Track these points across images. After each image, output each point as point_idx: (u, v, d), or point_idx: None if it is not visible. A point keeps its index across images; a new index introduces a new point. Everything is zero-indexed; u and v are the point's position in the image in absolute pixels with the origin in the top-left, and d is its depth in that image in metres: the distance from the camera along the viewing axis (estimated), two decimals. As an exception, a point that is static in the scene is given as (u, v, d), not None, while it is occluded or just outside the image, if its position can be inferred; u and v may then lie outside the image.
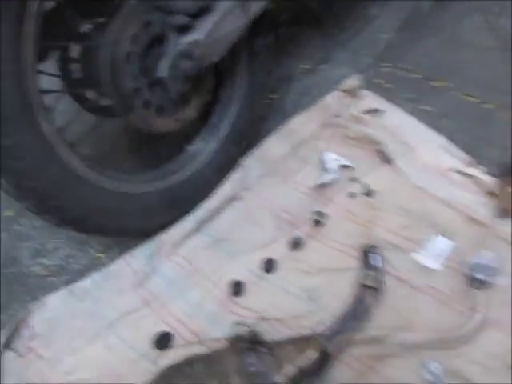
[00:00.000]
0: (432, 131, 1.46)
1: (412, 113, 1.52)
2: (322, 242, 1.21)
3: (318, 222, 1.25)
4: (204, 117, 1.35)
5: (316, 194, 1.32)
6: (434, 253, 1.18)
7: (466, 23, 1.91)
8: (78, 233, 1.16)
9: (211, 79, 1.29)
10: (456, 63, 1.76)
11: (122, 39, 1.09)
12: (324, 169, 1.38)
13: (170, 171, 1.27)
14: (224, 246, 1.23)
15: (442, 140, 1.43)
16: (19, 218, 1.38)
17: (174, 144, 1.32)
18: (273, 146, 1.42)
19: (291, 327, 1.03)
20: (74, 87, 1.21)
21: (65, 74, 1.21)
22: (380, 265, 1.13)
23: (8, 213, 1.39)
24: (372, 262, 1.14)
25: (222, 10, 1.14)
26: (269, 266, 1.17)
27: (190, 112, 1.26)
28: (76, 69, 1.19)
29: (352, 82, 1.60)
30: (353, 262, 1.16)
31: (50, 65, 1.19)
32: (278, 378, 0.96)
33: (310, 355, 0.96)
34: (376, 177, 1.34)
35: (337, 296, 1.09)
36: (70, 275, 1.20)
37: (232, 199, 1.31)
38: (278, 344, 0.98)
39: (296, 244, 1.21)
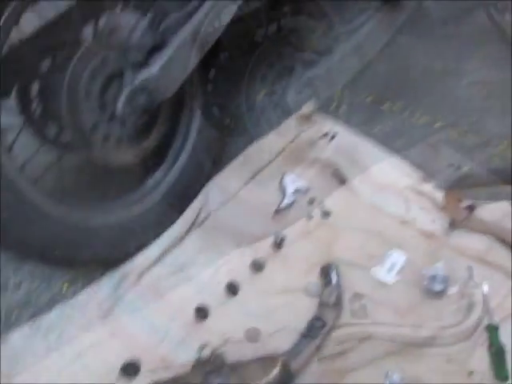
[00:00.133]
0: (384, 150, 1.52)
1: (365, 134, 1.59)
2: (283, 263, 1.26)
3: (278, 244, 1.29)
4: (165, 146, 1.39)
5: (276, 217, 1.37)
6: (390, 268, 1.23)
7: (418, 48, 2.00)
8: (42, 266, 1.17)
9: (169, 109, 1.34)
10: (405, 86, 1.85)
11: (80, 76, 1.13)
12: (283, 193, 1.43)
13: (132, 201, 1.29)
14: (188, 272, 1.25)
15: (394, 159, 1.50)
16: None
17: (135, 174, 1.35)
18: (232, 173, 1.47)
19: (254, 347, 1.06)
20: (34, 123, 1.24)
21: (25, 111, 1.23)
22: (338, 282, 1.18)
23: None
24: (331, 279, 1.18)
25: (175, 45, 1.19)
26: (232, 289, 1.20)
27: (150, 143, 1.30)
28: (36, 105, 1.22)
29: (308, 107, 1.66)
30: (312, 281, 1.20)
31: (11, 101, 1.22)
32: (242, 397, 0.98)
33: (274, 374, 0.98)
34: (333, 198, 1.40)
35: (298, 314, 1.13)
36: (34, 310, 1.20)
37: (194, 226, 1.35)
38: (242, 364, 1.00)
39: (258, 266, 1.25)
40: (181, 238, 1.32)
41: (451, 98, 1.80)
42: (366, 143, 1.56)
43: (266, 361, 1.00)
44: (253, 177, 1.47)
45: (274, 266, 1.25)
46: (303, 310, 1.13)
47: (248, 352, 1.05)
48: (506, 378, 1.00)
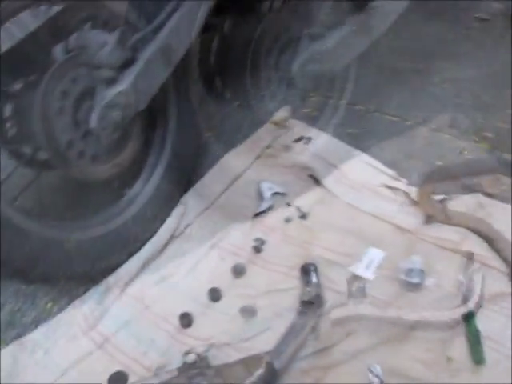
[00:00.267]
0: (357, 150, 1.56)
1: (338, 136, 1.63)
2: (263, 267, 1.28)
3: (258, 249, 1.32)
4: (141, 159, 1.41)
5: (255, 222, 1.40)
6: (369, 264, 1.26)
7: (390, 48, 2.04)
8: (25, 285, 1.18)
9: (143, 122, 1.36)
10: (377, 86, 1.90)
11: (53, 95, 1.15)
12: (261, 198, 1.46)
13: (110, 215, 1.31)
14: (170, 281, 1.27)
15: (367, 157, 1.54)
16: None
17: (113, 189, 1.36)
18: (210, 182, 1.50)
19: (239, 349, 1.08)
20: (9, 144, 1.25)
21: None
22: (318, 281, 1.20)
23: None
24: (310, 279, 1.20)
25: (144, 60, 1.21)
26: (214, 295, 1.22)
27: (125, 157, 1.31)
28: (10, 126, 1.23)
29: (281, 113, 1.70)
30: (293, 282, 1.22)
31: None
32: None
33: (258, 373, 1.00)
34: (309, 200, 1.44)
35: (280, 315, 1.15)
36: (19, 329, 1.21)
37: (174, 236, 1.37)
38: (226, 366, 1.02)
39: (239, 271, 1.27)
40: (162, 248, 1.34)
41: (422, 95, 1.85)
42: (340, 144, 1.60)
43: (251, 361, 1.01)
44: (231, 183, 1.50)
45: (254, 270, 1.27)
46: (285, 310, 1.16)
47: (233, 354, 1.07)
48: (482, 360, 1.03)
